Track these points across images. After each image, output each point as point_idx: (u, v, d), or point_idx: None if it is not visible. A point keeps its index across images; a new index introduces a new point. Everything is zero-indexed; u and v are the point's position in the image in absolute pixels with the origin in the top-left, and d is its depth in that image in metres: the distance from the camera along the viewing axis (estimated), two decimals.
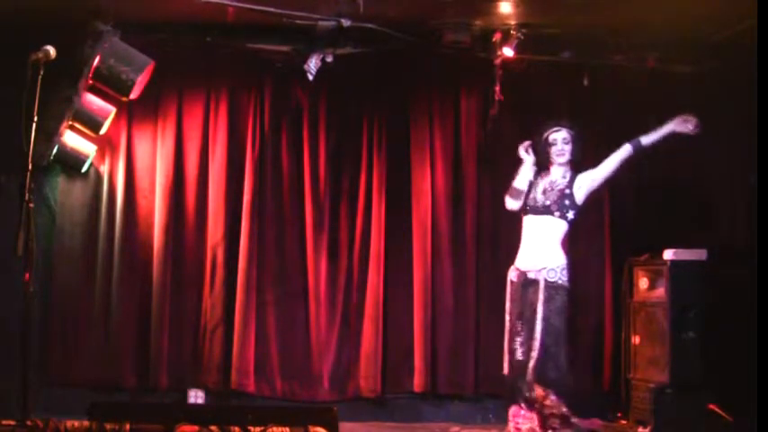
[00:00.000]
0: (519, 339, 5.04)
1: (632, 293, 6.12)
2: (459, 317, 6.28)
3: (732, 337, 5.72)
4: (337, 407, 4.33)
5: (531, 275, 5.01)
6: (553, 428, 4.87)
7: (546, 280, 4.93)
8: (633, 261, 6.15)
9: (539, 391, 4.87)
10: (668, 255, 5.77)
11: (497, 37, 5.71)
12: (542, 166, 5.23)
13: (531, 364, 4.86)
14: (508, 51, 5.72)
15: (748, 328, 4.91)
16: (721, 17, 5.34)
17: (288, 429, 3.97)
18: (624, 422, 6.02)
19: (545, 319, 4.88)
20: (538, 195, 5.14)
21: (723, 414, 5.67)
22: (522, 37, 5.64)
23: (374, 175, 6.31)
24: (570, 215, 5.08)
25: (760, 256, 4.13)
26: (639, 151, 5.19)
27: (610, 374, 6.29)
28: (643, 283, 6.03)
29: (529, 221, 5.14)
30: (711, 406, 5.66)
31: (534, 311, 4.91)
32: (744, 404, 5.36)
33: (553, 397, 4.86)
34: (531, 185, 5.22)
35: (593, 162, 6.45)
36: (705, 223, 6.35)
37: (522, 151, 5.25)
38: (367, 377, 6.18)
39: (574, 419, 4.83)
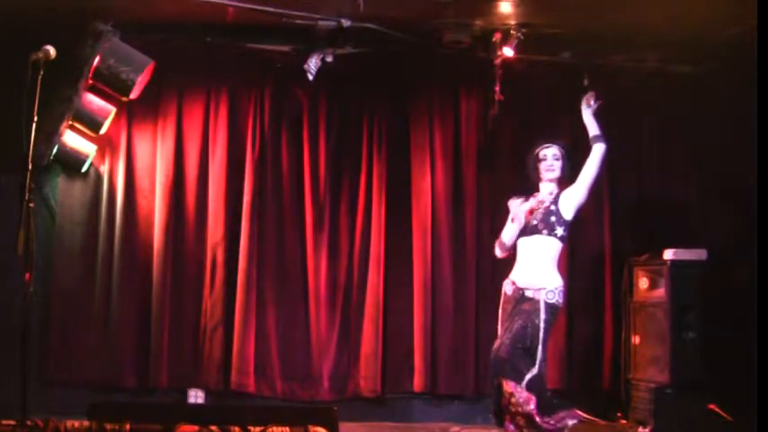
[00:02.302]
0: (498, 342, 5.04)
1: (632, 293, 6.12)
2: (459, 317, 6.28)
3: (732, 337, 5.72)
4: (337, 407, 4.33)
5: (528, 293, 4.98)
6: (518, 426, 4.87)
7: (546, 302, 4.92)
8: (633, 261, 6.15)
9: (506, 388, 4.87)
10: (668, 255, 5.77)
11: (497, 37, 5.71)
12: (532, 183, 5.21)
13: (529, 376, 4.85)
14: (508, 51, 5.72)
15: (748, 328, 4.91)
16: (721, 18, 5.34)
17: (288, 429, 3.97)
18: (624, 422, 6.02)
19: (544, 339, 4.90)
20: (526, 216, 5.12)
21: (723, 414, 5.67)
22: (522, 37, 5.64)
23: (374, 175, 6.31)
24: (560, 232, 5.03)
25: (760, 256, 4.13)
26: (605, 140, 5.17)
27: (610, 374, 6.29)
28: (643, 283, 6.03)
29: (522, 243, 5.11)
30: (711, 406, 5.66)
31: (535, 329, 4.89)
32: (744, 404, 5.36)
33: (520, 394, 4.84)
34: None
35: None
36: (705, 223, 6.36)
37: (515, 208, 5.17)
38: (367, 377, 6.18)
39: (538, 419, 4.82)
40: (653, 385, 5.74)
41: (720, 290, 5.78)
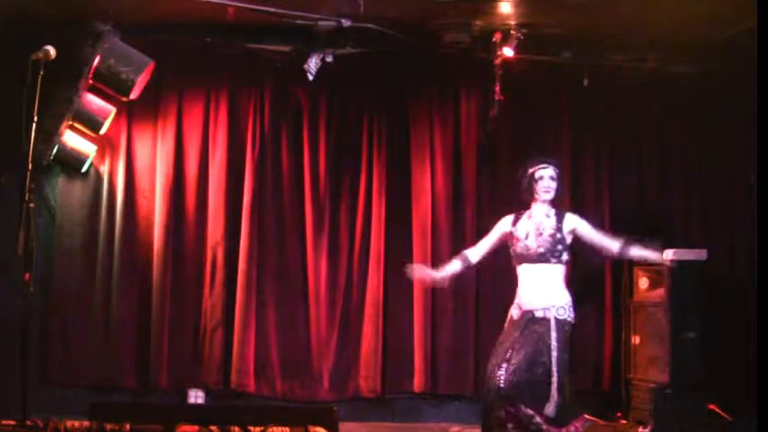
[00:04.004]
0: (505, 366, 4.92)
1: (632, 293, 6.12)
2: (459, 317, 6.28)
3: (732, 337, 5.72)
4: (337, 407, 4.34)
5: (538, 314, 4.86)
6: None
7: (557, 318, 4.83)
8: (633, 261, 6.13)
9: (527, 412, 4.80)
10: (668, 255, 5.76)
11: (497, 37, 5.71)
12: (524, 203, 5.03)
13: (552, 408, 4.78)
14: (508, 51, 5.72)
15: (748, 329, 4.92)
16: (721, 17, 5.34)
17: (288, 429, 3.98)
18: (624, 422, 6.02)
19: (559, 357, 4.80)
20: (529, 242, 4.91)
21: (723, 414, 5.67)
22: (522, 37, 5.64)
23: (374, 175, 6.30)
24: (565, 257, 4.91)
25: (760, 256, 4.13)
26: (621, 256, 5.07)
27: (610, 374, 6.28)
28: (643, 283, 6.03)
29: (525, 270, 4.93)
30: (711, 406, 5.66)
31: (548, 349, 4.81)
32: (744, 404, 5.37)
33: (538, 418, 4.81)
34: (515, 229, 5.01)
35: (594, 161, 6.51)
36: (705, 223, 6.36)
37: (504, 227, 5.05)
38: (367, 377, 6.18)
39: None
40: (653, 385, 5.74)
41: (720, 290, 5.78)
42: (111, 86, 5.60)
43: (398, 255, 6.28)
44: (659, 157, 6.54)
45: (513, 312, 4.95)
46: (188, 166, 6.23)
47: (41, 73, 3.99)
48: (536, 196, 4.95)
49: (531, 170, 4.97)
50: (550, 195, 4.95)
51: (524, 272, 4.94)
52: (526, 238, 4.93)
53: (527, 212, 4.97)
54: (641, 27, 5.58)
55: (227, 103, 6.27)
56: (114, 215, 6.13)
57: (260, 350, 6.14)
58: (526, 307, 4.88)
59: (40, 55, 4.02)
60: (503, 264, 5.36)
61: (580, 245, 5.00)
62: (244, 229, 6.14)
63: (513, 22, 5.59)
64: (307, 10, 5.43)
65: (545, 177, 4.93)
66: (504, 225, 5.04)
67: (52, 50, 4.07)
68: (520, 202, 5.06)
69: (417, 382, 6.19)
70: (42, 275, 5.85)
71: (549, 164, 4.98)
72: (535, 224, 4.92)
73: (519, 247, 4.94)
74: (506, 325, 4.99)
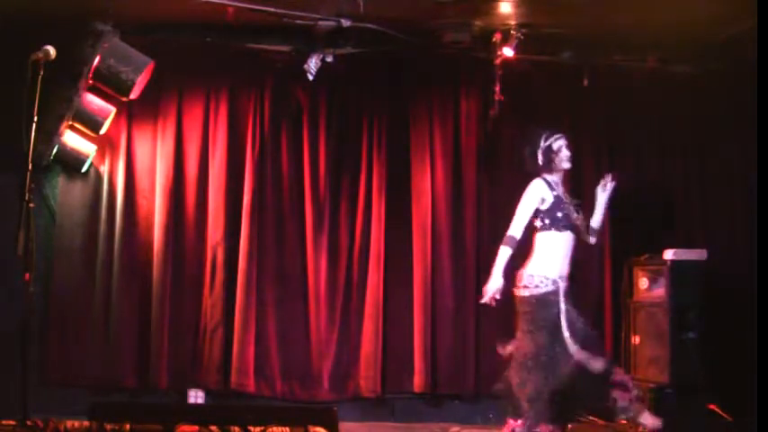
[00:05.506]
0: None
1: (632, 293, 6.12)
2: (459, 317, 6.28)
3: (732, 338, 5.72)
4: (337, 407, 4.34)
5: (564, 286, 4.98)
6: None
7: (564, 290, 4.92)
8: (633, 261, 6.14)
9: None
10: (668, 255, 5.77)
11: (497, 37, 5.71)
12: (535, 173, 5.06)
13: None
14: (508, 51, 5.72)
15: (748, 329, 4.90)
16: (721, 17, 5.35)
17: (288, 429, 3.97)
18: (624, 422, 6.01)
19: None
20: (571, 213, 5.00)
21: (723, 414, 5.67)
22: (522, 37, 5.64)
23: (374, 175, 6.31)
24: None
25: (760, 256, 4.13)
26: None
27: None
28: (643, 283, 6.03)
29: (559, 238, 4.97)
30: (711, 406, 5.66)
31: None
32: (744, 404, 5.37)
33: None
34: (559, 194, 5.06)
35: (594, 161, 6.50)
36: (705, 223, 6.36)
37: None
38: (367, 377, 6.18)
39: None
40: (653, 385, 5.74)
41: (720, 290, 5.78)
42: (111, 86, 5.60)
43: (398, 255, 6.30)
44: (659, 157, 6.54)
45: (554, 286, 4.90)
46: (188, 166, 6.23)
47: (41, 73, 4.00)
48: (560, 166, 4.98)
49: (547, 142, 4.98)
50: (569, 165, 5.03)
51: (557, 240, 4.98)
52: (569, 209, 4.99)
53: (549, 180, 4.98)
54: (641, 27, 5.59)
55: (227, 103, 6.28)
56: (114, 215, 6.14)
57: (260, 350, 6.15)
58: (564, 276, 4.93)
59: (40, 55, 4.03)
60: None
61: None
62: (244, 229, 6.15)
63: (513, 22, 5.59)
64: (307, 10, 5.44)
65: (563, 148, 5.00)
66: (540, 191, 4.98)
67: (52, 50, 4.07)
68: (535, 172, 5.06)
69: (417, 382, 6.19)
70: (42, 275, 5.85)
71: (560, 134, 5.03)
72: (564, 194, 4.99)
73: (559, 217, 4.96)
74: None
